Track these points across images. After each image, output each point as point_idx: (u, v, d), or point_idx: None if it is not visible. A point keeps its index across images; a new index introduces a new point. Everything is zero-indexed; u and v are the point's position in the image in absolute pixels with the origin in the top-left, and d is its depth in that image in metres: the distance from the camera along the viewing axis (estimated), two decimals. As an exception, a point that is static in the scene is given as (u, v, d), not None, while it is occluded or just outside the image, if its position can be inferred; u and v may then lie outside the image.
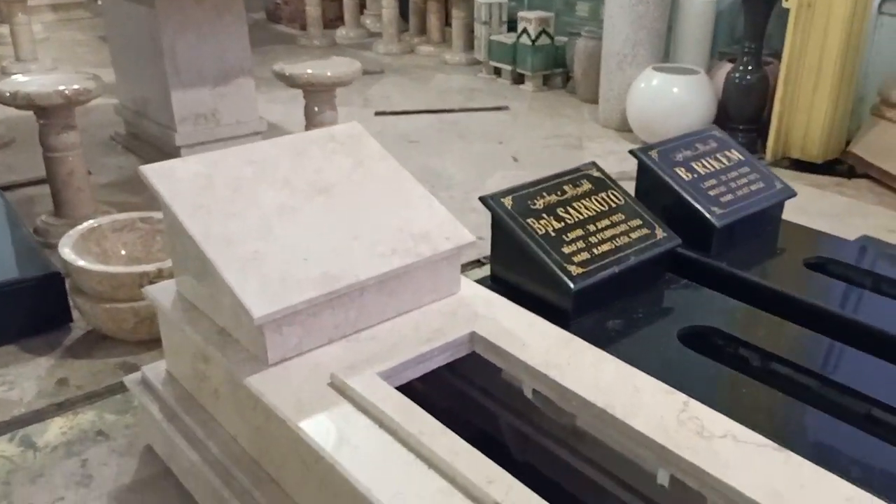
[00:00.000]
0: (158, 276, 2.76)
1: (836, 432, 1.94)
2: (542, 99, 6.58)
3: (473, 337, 2.01)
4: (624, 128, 5.58)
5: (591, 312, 2.40)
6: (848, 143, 4.96)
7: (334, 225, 2.06)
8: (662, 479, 1.66)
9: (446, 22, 8.35)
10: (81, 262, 2.77)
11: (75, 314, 3.03)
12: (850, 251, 2.94)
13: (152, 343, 2.88)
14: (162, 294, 2.22)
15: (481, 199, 2.53)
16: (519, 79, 6.95)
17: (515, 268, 2.49)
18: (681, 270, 2.72)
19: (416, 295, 2.10)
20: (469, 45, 7.68)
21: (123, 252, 3.04)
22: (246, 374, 1.84)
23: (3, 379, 2.72)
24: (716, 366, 2.21)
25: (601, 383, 1.81)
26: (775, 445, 1.63)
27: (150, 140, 4.97)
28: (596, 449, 1.94)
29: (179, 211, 1.97)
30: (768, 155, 5.02)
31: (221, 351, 1.94)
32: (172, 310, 2.14)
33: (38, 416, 2.54)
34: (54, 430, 2.49)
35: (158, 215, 3.19)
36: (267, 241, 1.96)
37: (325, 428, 1.68)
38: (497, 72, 7.17)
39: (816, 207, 4.28)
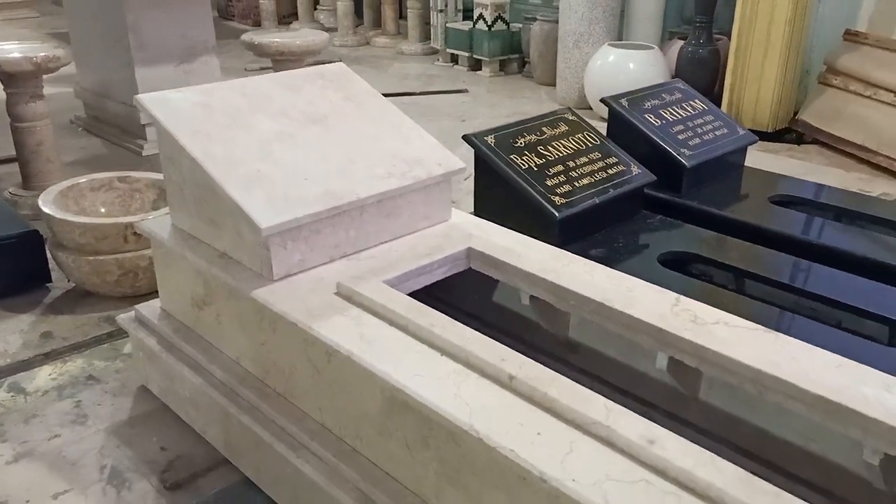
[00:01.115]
0: (142, 227, 2.75)
1: (805, 328, 2.07)
2: (500, 83, 6.71)
3: (470, 252, 2.08)
4: (582, 105, 5.72)
5: (574, 242, 2.50)
6: (796, 112, 5.19)
7: (331, 150, 2.11)
8: (661, 362, 1.75)
9: (401, 14, 8.44)
10: (65, 215, 2.75)
11: (55, 275, 3.00)
12: (810, 190, 3.11)
13: (136, 298, 2.86)
14: (157, 227, 2.23)
15: (465, 137, 2.61)
16: (476, 65, 7.07)
17: (500, 202, 2.58)
18: (654, 210, 2.85)
19: (412, 219, 2.16)
20: (425, 35, 7.78)
21: (103, 210, 3.03)
22: (252, 289, 1.88)
23: (-16, 333, 2.69)
24: (697, 282, 2.33)
25: (596, 284, 1.90)
26: (765, 328, 1.73)
27: (114, 121, 4.91)
28: (589, 357, 2.02)
29: (179, 134, 1.99)
30: (722, 125, 5.21)
31: (225, 271, 1.97)
32: (170, 240, 2.16)
33: (26, 366, 2.52)
34: (43, 376, 2.47)
35: (137, 174, 3.19)
36: (267, 163, 1.99)
37: (337, 327, 1.72)
38: (454, 59, 7.27)
39: (771, 170, 4.47)
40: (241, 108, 2.15)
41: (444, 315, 1.73)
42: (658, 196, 2.89)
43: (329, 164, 2.05)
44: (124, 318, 2.39)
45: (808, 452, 1.65)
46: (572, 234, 2.50)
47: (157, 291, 2.35)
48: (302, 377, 1.85)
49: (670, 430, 1.38)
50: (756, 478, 1.27)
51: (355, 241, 2.05)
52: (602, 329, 1.88)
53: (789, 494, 1.24)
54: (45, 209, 2.79)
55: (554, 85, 6.11)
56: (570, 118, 2.85)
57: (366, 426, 1.72)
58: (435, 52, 7.57)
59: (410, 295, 1.86)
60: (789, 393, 1.53)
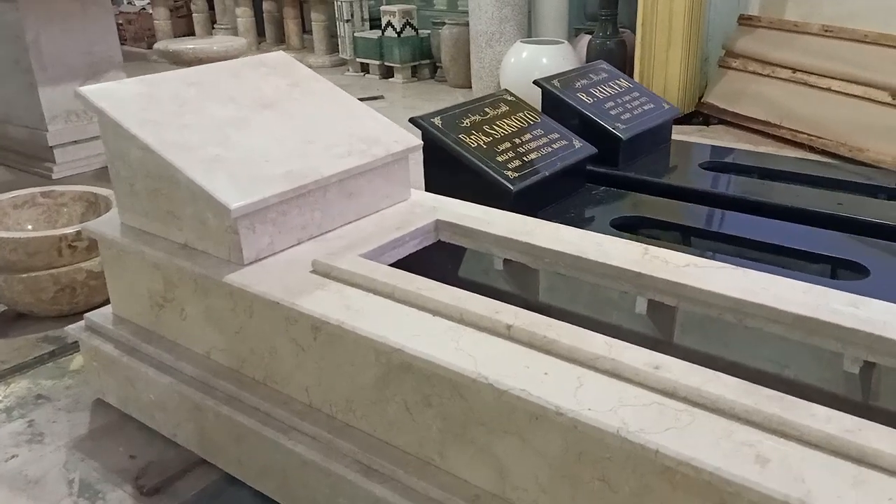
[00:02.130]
0: (78, 238, 2.62)
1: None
2: (414, 88, 6.76)
3: (438, 224, 2.08)
4: (499, 103, 5.83)
5: (528, 215, 2.53)
6: (702, 96, 5.46)
7: (287, 133, 2.07)
8: (640, 307, 1.80)
9: (304, 29, 8.38)
10: (-10, 231, 2.59)
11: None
12: (733, 155, 3.29)
13: (73, 317, 2.71)
14: (105, 228, 2.13)
15: (411, 120, 2.62)
16: (388, 72, 7.09)
17: (452, 180, 2.59)
18: (596, 184, 2.93)
19: (374, 199, 2.15)
20: (332, 47, 7.75)
21: (30, 227, 2.86)
22: (223, 275, 1.82)
23: None
24: (652, 242, 2.41)
25: (567, 241, 1.94)
26: (733, 266, 1.81)
27: (16, 146, 4.65)
28: (572, 313, 2.06)
29: (128, 124, 1.92)
30: (634, 112, 5.42)
31: (190, 261, 1.90)
32: (122, 239, 2.06)
33: (-36, 392, 2.35)
34: (-12, 400, 2.31)
35: (61, 188, 3.03)
36: (225, 147, 1.94)
37: (320, 301, 1.69)
38: (365, 68, 7.28)
39: (686, 148, 4.68)
40: (188, 96, 2.08)
41: (429, 279, 1.72)
42: (598, 171, 2.98)
43: (287, 146, 2.02)
44: (74, 327, 2.27)
45: (790, 376, 1.73)
46: (526, 207, 2.53)
47: (95, 307, 2.24)
48: (285, 359, 1.80)
49: (667, 360, 1.43)
50: (760, 386, 1.33)
51: (321, 223, 2.02)
52: (578, 284, 1.92)
53: (792, 397, 1.30)
54: (-31, 228, 2.61)
55: (467, 87, 6.21)
56: (510, 98, 2.91)
57: (359, 398, 1.69)
58: (344, 63, 7.56)
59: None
60: (769, 316, 1.61)
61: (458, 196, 2.50)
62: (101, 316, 2.23)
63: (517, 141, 2.67)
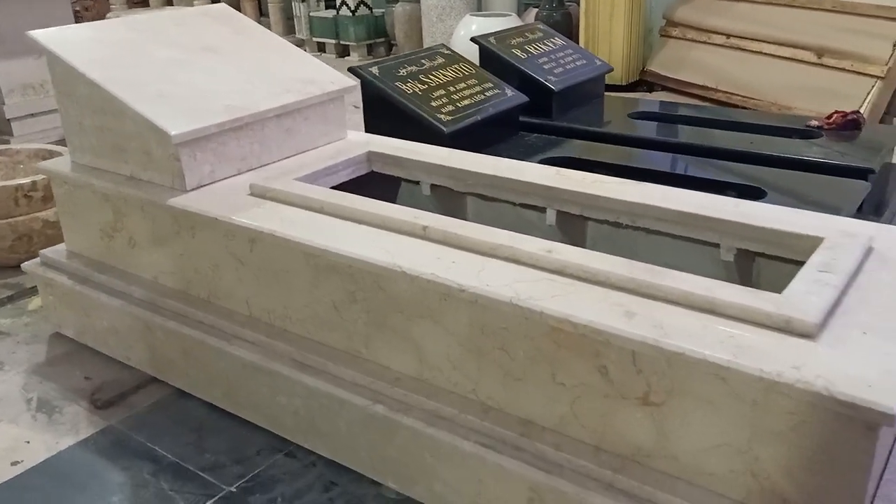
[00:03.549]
0: (33, 189, 2.74)
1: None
2: (371, 65, 6.89)
3: (370, 156, 2.25)
4: (452, 76, 5.99)
5: (462, 157, 2.71)
6: (646, 65, 5.67)
7: (228, 73, 2.22)
8: (550, 218, 1.98)
9: (261, 12, 8.46)
10: (-53, 182, 2.70)
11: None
12: (660, 107, 3.49)
13: (31, 266, 2.84)
14: (57, 165, 2.26)
15: (350, 69, 2.77)
16: (344, 51, 7.21)
17: (389, 125, 2.74)
18: (533, 132, 3.11)
19: (311, 136, 2.30)
20: (289, 28, 7.84)
21: (-13, 182, 2.97)
22: (167, 199, 1.96)
23: None
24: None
25: (488, 165, 2.12)
26: (634, 182, 2.00)
27: (-27, 121, 4.72)
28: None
29: (77, 63, 2.05)
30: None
31: (137, 189, 2.04)
32: (72, 174, 2.20)
33: (-74, 332, 2.46)
34: (-53, 338, 2.43)
35: (17, 146, 3.15)
36: (168, 84, 2.08)
37: (256, 216, 1.85)
38: (322, 48, 7.39)
39: (628, 111, 4.88)
40: (134, 40, 2.22)
41: (359, 196, 1.88)
42: (531, 121, 3.15)
43: (228, 85, 2.17)
44: (29, 264, 2.40)
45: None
46: (459, 149, 2.70)
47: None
48: (226, 275, 1.96)
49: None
50: (636, 262, 1.51)
51: (260, 155, 2.17)
52: (502, 209, 2.09)
53: (661, 267, 1.48)
54: (-74, 179, 2.72)
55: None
56: (446, 52, 3.07)
57: (293, 303, 1.85)
58: (301, 43, 7.65)
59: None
60: (657, 216, 1.81)
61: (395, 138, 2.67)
62: (55, 252, 2.36)
63: (451, 89, 2.84)
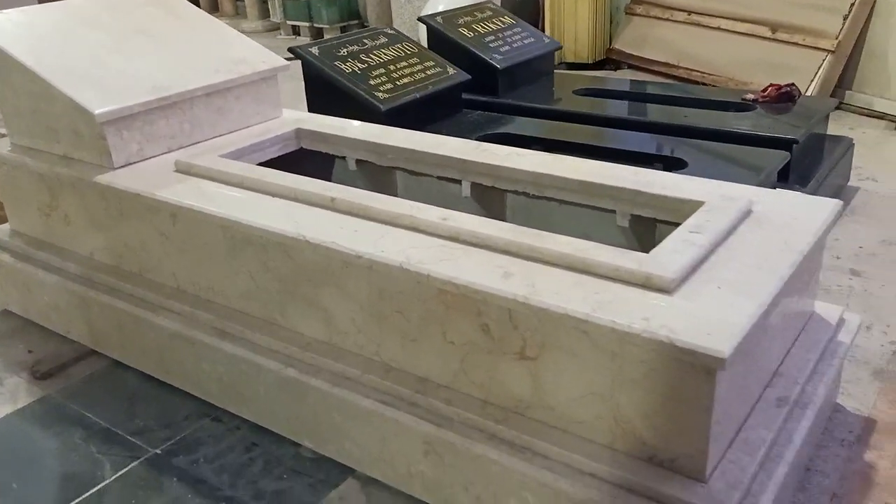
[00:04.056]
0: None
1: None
2: (344, 48, 6.93)
3: (299, 133, 2.32)
4: (421, 57, 6.04)
5: (400, 135, 2.78)
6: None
7: (158, 54, 2.29)
8: (466, 190, 2.06)
9: (238, -6, 8.50)
10: None
11: None
12: (606, 83, 3.56)
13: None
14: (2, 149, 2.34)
15: (290, 49, 2.84)
16: (318, 34, 7.25)
17: (329, 104, 2.82)
18: (473, 109, 3.18)
19: (243, 115, 2.37)
20: (264, 12, 7.88)
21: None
22: (95, 176, 2.04)
23: None
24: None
25: (411, 140, 2.19)
26: (551, 155, 2.08)
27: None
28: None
29: (9, 48, 2.12)
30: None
31: (68, 167, 2.12)
32: (9, 155, 2.27)
33: None
34: None
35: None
36: (97, 67, 2.15)
37: (177, 192, 1.92)
38: (296, 31, 7.43)
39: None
40: (67, 24, 2.28)
41: (276, 171, 1.96)
42: (476, 99, 3.22)
43: (156, 66, 2.23)
44: (-24, 243, 2.48)
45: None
46: (398, 126, 2.77)
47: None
48: (153, 249, 2.04)
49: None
50: (522, 227, 1.60)
51: (190, 134, 2.24)
52: (428, 183, 2.16)
53: (546, 232, 1.56)
54: None
55: (394, 44, 6.40)
56: (390, 31, 3.13)
57: (214, 275, 1.93)
58: (276, 27, 7.70)
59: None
60: (559, 185, 1.89)
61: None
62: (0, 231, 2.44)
63: (392, 68, 2.91)
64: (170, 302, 2.01)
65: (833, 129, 3.75)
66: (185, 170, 2.04)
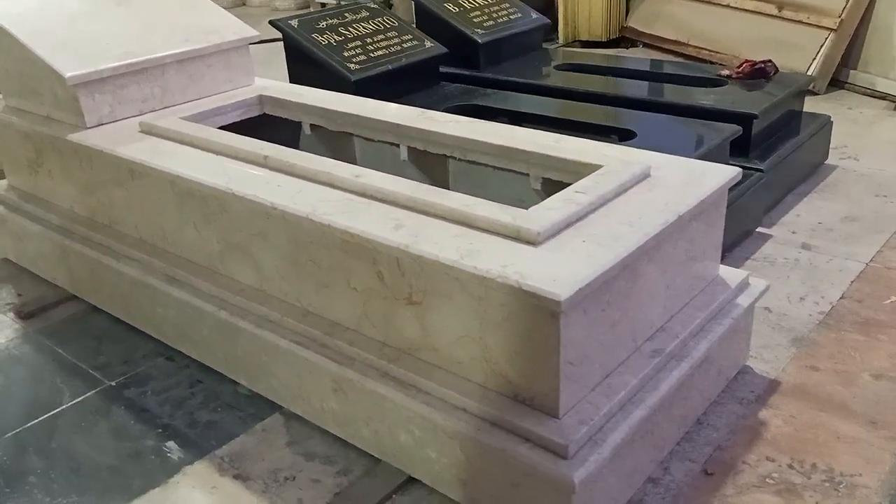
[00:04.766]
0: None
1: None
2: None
3: (262, 98, 2.48)
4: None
5: (373, 104, 2.92)
6: (626, 21, 5.74)
7: (132, 23, 2.47)
8: (404, 154, 2.20)
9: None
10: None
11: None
12: (590, 59, 3.63)
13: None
14: (-7, 109, 2.57)
15: (271, 22, 3.00)
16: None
17: (306, 74, 2.97)
18: (452, 82, 3.30)
19: (215, 82, 2.54)
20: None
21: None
22: (68, 135, 2.24)
23: None
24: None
25: (360, 106, 2.33)
26: (484, 121, 2.19)
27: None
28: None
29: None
30: (560, 38, 5.73)
31: (47, 127, 2.32)
32: (2, 114, 2.49)
33: None
34: (-89, 261, 2.78)
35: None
36: (72, 33, 2.34)
37: (136, 150, 2.10)
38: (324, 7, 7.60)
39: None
40: (51, -5, 2.48)
41: (222, 131, 2.13)
42: (454, 72, 3.34)
43: (130, 34, 2.41)
44: (-24, 196, 2.72)
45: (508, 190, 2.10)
46: (370, 96, 2.90)
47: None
48: (118, 203, 2.23)
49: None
50: (424, 185, 1.72)
51: (162, 98, 2.42)
52: (382, 149, 2.29)
53: (444, 190, 1.69)
54: None
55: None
56: (372, 6, 3.27)
57: (166, 227, 2.11)
58: (307, 4, 7.88)
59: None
60: (480, 149, 2.01)
61: (312, 87, 2.88)
62: (-2, 187, 2.68)
63: (368, 41, 3.04)
64: (131, 251, 2.20)
65: (831, 108, 3.77)
66: (147, 130, 2.22)
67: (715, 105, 2.81)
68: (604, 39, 5.67)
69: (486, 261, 1.44)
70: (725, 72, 3.18)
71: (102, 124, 2.29)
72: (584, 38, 5.72)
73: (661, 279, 1.66)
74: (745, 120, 2.72)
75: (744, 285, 1.92)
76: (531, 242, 1.49)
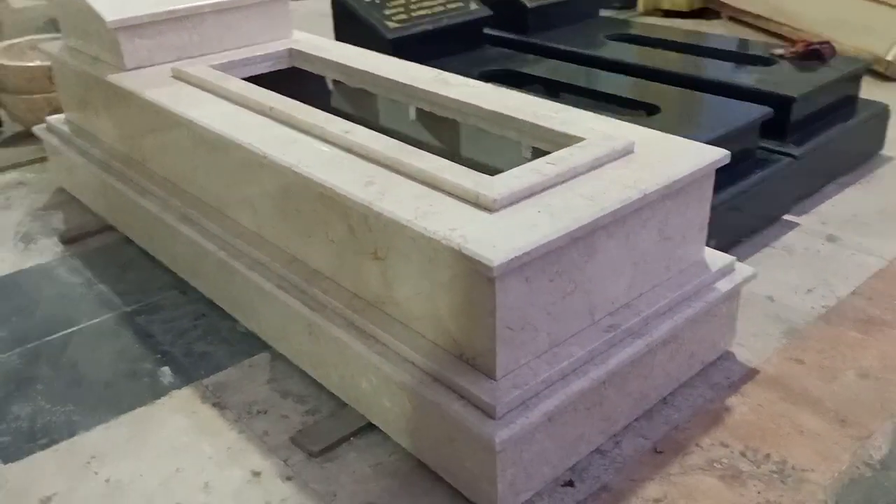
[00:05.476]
0: (65, 70, 3.28)
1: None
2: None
3: (291, 52, 2.58)
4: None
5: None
6: (712, -9, 5.51)
7: (178, -26, 2.60)
8: (412, 114, 2.25)
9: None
10: (2, 61, 3.29)
11: (5, 120, 3.56)
12: (643, 29, 3.55)
13: (68, 136, 3.41)
14: (53, 48, 2.76)
15: (320, -23, 3.07)
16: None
17: (350, 32, 3.05)
18: (496, 46, 3.30)
19: (251, 33, 2.65)
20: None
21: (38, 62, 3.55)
22: (107, 75, 2.40)
23: (-59, 160, 3.27)
24: (502, 89, 2.79)
25: (380, 67, 2.38)
26: (495, 87, 2.22)
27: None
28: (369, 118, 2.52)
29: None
30: (640, 6, 5.58)
31: (93, 67, 2.50)
32: (59, 54, 2.69)
33: (-30, 178, 3.11)
34: (-17, 183, 3.07)
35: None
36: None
37: (162, 94, 2.24)
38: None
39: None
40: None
41: (242, 81, 2.23)
42: (503, 36, 3.34)
43: (174, -16, 2.54)
44: (38, 129, 2.95)
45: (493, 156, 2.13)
46: (407, 56, 2.93)
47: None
48: (147, 142, 2.39)
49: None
50: (407, 145, 1.78)
51: (199, 45, 2.55)
52: (402, 108, 2.35)
53: (428, 153, 1.74)
54: (-13, 58, 3.34)
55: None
56: (423, -34, 3.29)
57: (184, 168, 2.25)
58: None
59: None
60: (476, 114, 2.03)
61: (355, 44, 2.95)
62: (56, 119, 2.90)
63: (412, 1, 3.08)
64: (155, 188, 2.35)
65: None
66: (177, 76, 2.35)
67: (754, 85, 2.71)
68: (686, 10, 5.47)
69: (438, 223, 1.49)
70: (779, 51, 3.05)
71: (141, 67, 2.44)
72: (665, 6, 5.55)
73: (626, 256, 1.66)
74: (782, 102, 2.62)
75: (727, 270, 1.89)
76: (487, 209, 1.53)
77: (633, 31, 3.48)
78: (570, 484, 1.63)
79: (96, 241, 2.63)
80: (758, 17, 4.95)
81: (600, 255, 1.60)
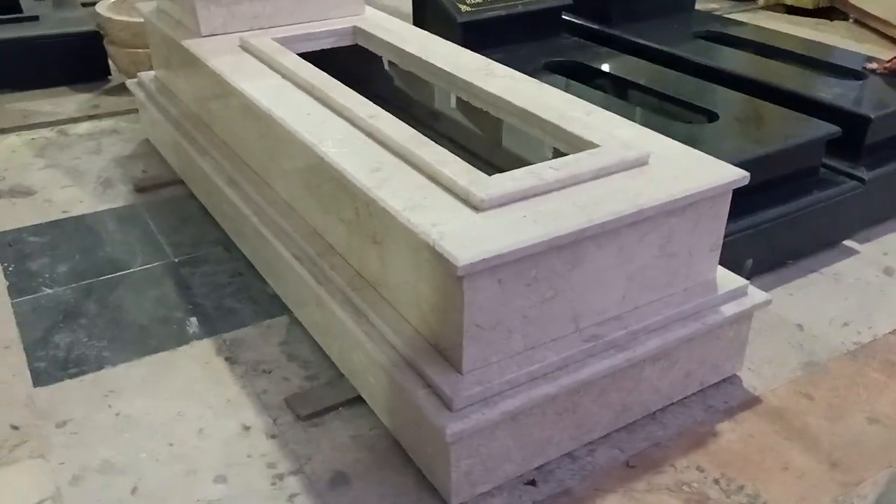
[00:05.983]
0: (167, 28, 3.51)
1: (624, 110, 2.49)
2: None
3: (355, 30, 2.66)
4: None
5: (481, 49, 2.97)
6: (841, -10, 5.15)
7: (262, -53, 2.72)
8: (453, 101, 2.29)
9: None
10: (109, 14, 3.57)
11: (114, 70, 3.85)
12: (736, 28, 3.38)
13: (166, 90, 3.65)
14: (147, 8, 2.97)
15: (402, -44, 3.13)
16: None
17: (426, 13, 3.09)
18: (580, 36, 3.25)
19: (324, 7, 2.74)
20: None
21: (147, 19, 3.82)
22: (183, 39, 2.57)
23: (53, 101, 3.58)
24: (562, 80, 2.78)
25: (435, 53, 2.42)
26: (539, 82, 2.21)
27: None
28: (412, 102, 2.57)
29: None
30: (760, 1, 5.30)
31: (173, 31, 2.67)
32: (150, 15, 2.89)
33: (73, 121, 3.40)
34: (83, 127, 3.34)
35: None
36: (208, -49, 2.65)
37: (223, 63, 2.38)
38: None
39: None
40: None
41: (296, 56, 2.34)
42: (584, 24, 3.29)
43: (255, -45, 2.67)
44: (130, 83, 3.19)
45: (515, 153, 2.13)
46: (478, 41, 2.96)
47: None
48: (213, 106, 2.55)
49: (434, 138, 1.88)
50: (421, 135, 1.82)
51: (272, 17, 2.67)
52: (424, 84, 2.41)
53: (440, 145, 1.78)
54: (100, 10, 3.62)
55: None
56: (510, -51, 3.27)
57: (237, 134, 2.39)
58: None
59: (301, 56, 2.47)
60: (507, 109, 2.05)
61: (429, 27, 3.01)
62: (146, 75, 3.12)
63: (490, -15, 3.08)
64: (213, 151, 2.51)
65: None
66: (244, 47, 2.49)
67: (830, 100, 2.56)
68: (811, 7, 5.16)
69: (423, 217, 1.54)
70: (873, 65, 2.85)
71: (215, 35, 2.60)
72: (788, 2, 5.25)
73: (618, 268, 1.65)
74: (858, 122, 2.46)
75: (738, 294, 1.83)
76: (475, 208, 1.56)
77: (727, 31, 3.32)
78: (533, 483, 1.66)
79: (166, 192, 2.84)
80: (884, 22, 4.60)
81: (588, 264, 1.60)
